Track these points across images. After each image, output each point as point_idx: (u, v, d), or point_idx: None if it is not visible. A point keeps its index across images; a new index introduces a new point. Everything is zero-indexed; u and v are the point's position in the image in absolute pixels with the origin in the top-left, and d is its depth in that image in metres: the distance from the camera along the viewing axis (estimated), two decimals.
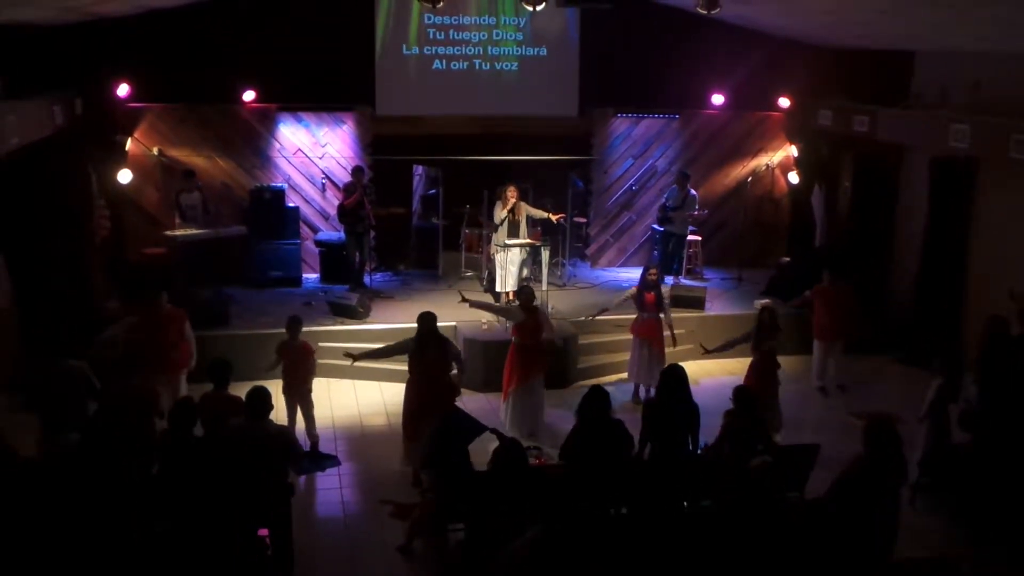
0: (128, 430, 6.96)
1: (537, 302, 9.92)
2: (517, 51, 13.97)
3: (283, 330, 9.25)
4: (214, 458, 6.43)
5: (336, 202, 13.20)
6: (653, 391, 9.65)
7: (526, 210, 11.97)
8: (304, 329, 9.42)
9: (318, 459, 9.06)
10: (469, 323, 11.36)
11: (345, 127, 13.65)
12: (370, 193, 13.10)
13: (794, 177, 14.41)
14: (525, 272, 12.00)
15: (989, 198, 11.57)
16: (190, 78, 12.51)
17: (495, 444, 7.08)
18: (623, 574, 6.32)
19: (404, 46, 13.65)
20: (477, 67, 13.88)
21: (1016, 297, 9.65)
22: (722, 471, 6.79)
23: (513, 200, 11.82)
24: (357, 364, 9.38)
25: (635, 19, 13.51)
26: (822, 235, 14.00)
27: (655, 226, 14.06)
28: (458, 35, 13.78)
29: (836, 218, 13.88)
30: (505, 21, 13.87)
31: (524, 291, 9.81)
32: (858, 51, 13.25)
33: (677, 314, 11.28)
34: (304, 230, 13.59)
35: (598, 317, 11.00)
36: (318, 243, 13.55)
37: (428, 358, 8.54)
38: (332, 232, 13.61)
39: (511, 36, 13.93)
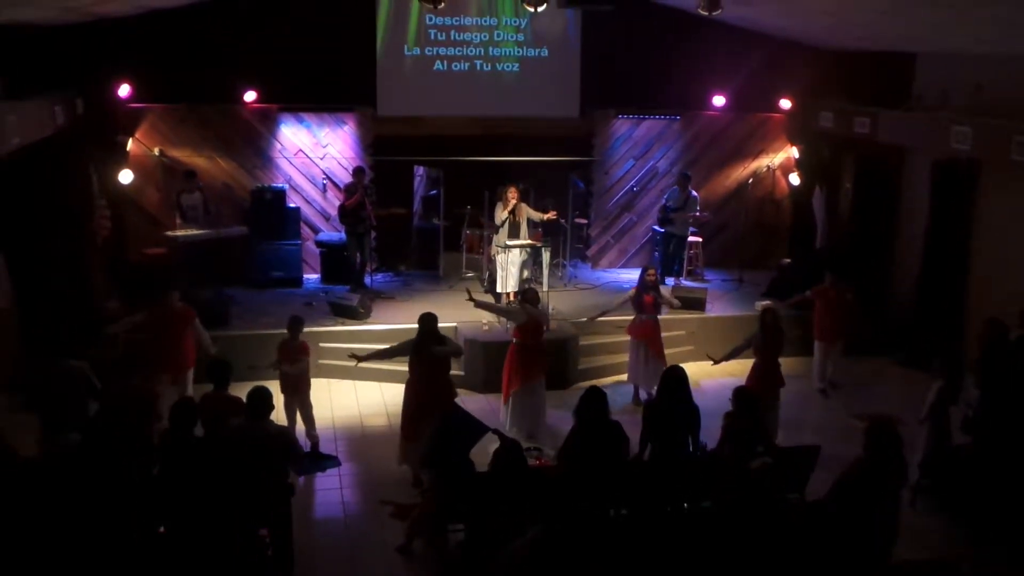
0: (128, 430, 6.95)
1: (540, 304, 9.94)
2: (518, 52, 13.96)
3: (284, 331, 9.27)
4: (214, 458, 6.42)
5: (337, 203, 13.22)
6: (652, 392, 9.69)
7: (527, 211, 11.98)
8: (305, 330, 9.43)
9: (318, 459, 9.06)
10: (469, 323, 11.36)
11: (346, 127, 13.65)
12: (371, 194, 13.09)
13: (795, 179, 14.40)
14: (526, 273, 12.00)
15: (990, 200, 11.56)
16: (191, 78, 12.50)
17: (495, 445, 7.09)
18: (623, 575, 6.33)
19: (405, 47, 13.64)
20: (478, 68, 13.87)
21: None
22: (722, 472, 6.79)
23: (514, 201, 11.82)
24: (360, 365, 9.38)
25: (636, 20, 13.51)
26: (823, 237, 13.98)
27: (656, 227, 14.07)
28: (459, 36, 13.78)
29: (837, 220, 13.86)
30: (506, 22, 13.86)
31: (529, 292, 9.83)
32: (859, 53, 13.24)
33: (678, 315, 11.29)
34: (305, 231, 13.59)
35: (599, 319, 11.01)
36: (319, 244, 13.55)
37: (428, 359, 8.54)
38: (333, 233, 13.61)
39: (512, 37, 13.92)
